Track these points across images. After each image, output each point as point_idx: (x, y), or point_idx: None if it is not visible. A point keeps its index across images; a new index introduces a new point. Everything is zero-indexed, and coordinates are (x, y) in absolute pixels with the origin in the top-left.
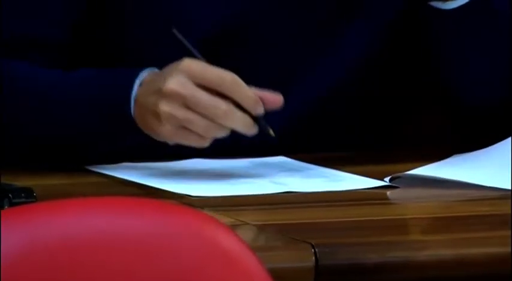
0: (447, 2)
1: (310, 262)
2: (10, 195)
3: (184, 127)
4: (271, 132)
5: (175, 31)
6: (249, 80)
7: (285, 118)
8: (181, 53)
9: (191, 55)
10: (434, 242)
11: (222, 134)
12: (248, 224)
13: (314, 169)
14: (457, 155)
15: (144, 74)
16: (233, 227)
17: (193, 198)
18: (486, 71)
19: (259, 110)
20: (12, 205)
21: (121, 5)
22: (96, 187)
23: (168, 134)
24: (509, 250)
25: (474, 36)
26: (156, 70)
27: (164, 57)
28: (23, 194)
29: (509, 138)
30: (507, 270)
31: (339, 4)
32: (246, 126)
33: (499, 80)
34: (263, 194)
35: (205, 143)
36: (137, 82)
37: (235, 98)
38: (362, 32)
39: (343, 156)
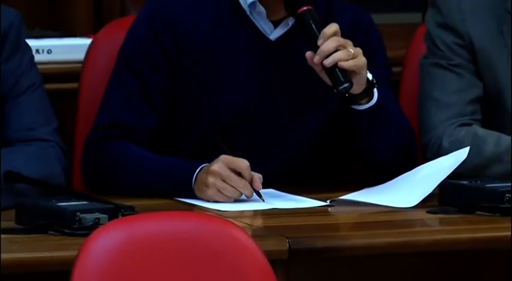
0: (360, 106)
1: (285, 246)
2: (122, 210)
3: (220, 192)
4: (262, 198)
5: (215, 136)
6: (251, 144)
7: (272, 167)
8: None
9: (219, 145)
10: (355, 235)
11: (239, 197)
12: (251, 226)
13: (288, 196)
14: (369, 187)
15: (201, 166)
16: (243, 228)
17: (222, 212)
18: (383, 143)
19: (256, 186)
20: (123, 215)
21: (184, 105)
22: (170, 207)
23: (211, 195)
24: (400, 239)
25: (376, 124)
26: (206, 165)
27: (202, 135)
28: (129, 210)
29: (398, 177)
30: (402, 252)
31: (305, 101)
32: (249, 193)
33: (392, 148)
34: (260, 210)
35: (231, 201)
36: (197, 170)
37: (246, 179)
38: (318, 117)
39: (305, 188)
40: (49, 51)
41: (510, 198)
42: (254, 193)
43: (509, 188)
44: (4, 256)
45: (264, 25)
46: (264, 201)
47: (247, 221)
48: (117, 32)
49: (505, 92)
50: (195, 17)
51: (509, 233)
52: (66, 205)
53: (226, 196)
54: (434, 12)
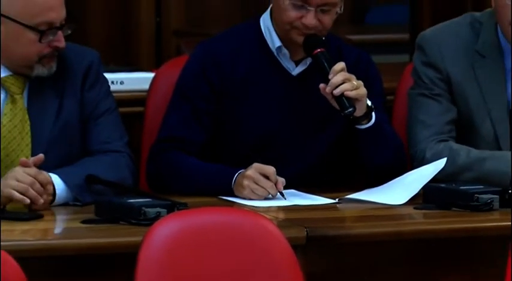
0: (361, 126)
1: (304, 234)
2: (177, 205)
3: (253, 191)
4: (285, 197)
5: (250, 149)
6: (277, 155)
7: (292, 173)
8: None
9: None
10: (358, 226)
11: (267, 195)
12: (277, 218)
13: (305, 195)
14: (368, 189)
15: (238, 171)
16: (271, 220)
17: (254, 207)
18: (380, 156)
19: (279, 188)
20: (178, 210)
21: (225, 126)
22: (214, 203)
23: (246, 194)
24: (393, 229)
25: (374, 140)
26: (243, 170)
27: (239, 148)
28: (183, 205)
29: (391, 181)
30: (394, 239)
31: (318, 123)
32: (275, 192)
33: (388, 159)
34: (283, 206)
35: (261, 199)
36: (235, 174)
37: (273, 181)
38: (327, 135)
39: (318, 189)
40: (121, 83)
41: (478, 198)
42: (278, 193)
43: (478, 190)
44: (86, 240)
45: (287, 64)
46: (286, 199)
47: (274, 214)
48: (174, 68)
49: (473, 117)
50: (234, 57)
51: (478, 224)
52: (133, 202)
53: (257, 194)
54: (419, 53)
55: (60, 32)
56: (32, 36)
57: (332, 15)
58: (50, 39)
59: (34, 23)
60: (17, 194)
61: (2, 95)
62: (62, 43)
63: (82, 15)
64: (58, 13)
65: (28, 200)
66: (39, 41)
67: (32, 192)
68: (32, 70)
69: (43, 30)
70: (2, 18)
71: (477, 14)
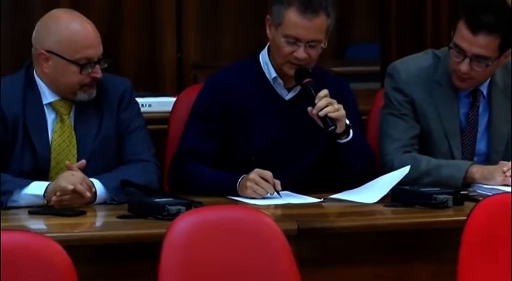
0: (341, 140)
1: (295, 227)
2: (194, 204)
3: (255, 191)
4: (280, 194)
5: (252, 158)
6: (274, 163)
7: (287, 178)
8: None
9: (254, 163)
10: (340, 220)
11: (266, 195)
12: (274, 213)
13: (297, 195)
14: (347, 190)
15: (242, 176)
16: (269, 215)
17: (255, 205)
18: (356, 164)
19: (276, 189)
20: (195, 207)
21: (231, 140)
22: (223, 202)
23: (248, 193)
24: (367, 223)
25: (351, 152)
26: (246, 175)
27: (243, 158)
28: (198, 204)
29: (365, 184)
30: (368, 230)
31: (307, 138)
32: (272, 192)
33: (362, 167)
34: (279, 204)
35: (261, 197)
36: (240, 178)
37: (271, 183)
38: (314, 148)
39: (307, 191)
40: (149, 105)
41: (435, 197)
42: (275, 192)
43: (435, 191)
44: (121, 232)
45: (281, 91)
46: (281, 196)
47: (271, 211)
48: (191, 94)
49: (432, 133)
50: (239, 86)
51: (436, 219)
52: (159, 201)
53: (258, 193)
54: (390, 80)
55: (97, 66)
56: (74, 69)
57: (318, 49)
58: (89, 71)
59: (75, 58)
60: (79, 186)
61: (52, 116)
62: (99, 74)
63: (118, 52)
64: (95, 50)
65: (89, 194)
66: (80, 72)
67: (80, 187)
68: (75, 96)
69: (83, 64)
70: (51, 54)
71: (437, 50)
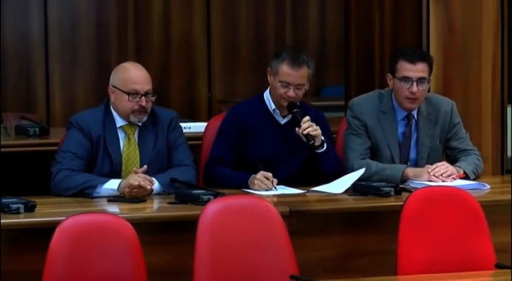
0: (318, 150)
1: (287, 209)
2: (220, 194)
3: (260, 186)
4: (276, 189)
5: (258, 164)
6: (273, 167)
7: (282, 177)
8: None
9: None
10: (319, 204)
11: (267, 188)
12: (273, 200)
13: (288, 188)
14: (323, 184)
15: (252, 175)
16: (270, 201)
17: (261, 195)
18: (329, 167)
19: (274, 184)
20: (220, 196)
21: (244, 151)
22: (240, 193)
23: (256, 188)
24: (336, 206)
25: (325, 158)
26: (254, 175)
27: (252, 164)
28: (222, 194)
29: (335, 181)
30: (337, 212)
31: (296, 150)
32: (272, 187)
33: (333, 170)
34: (276, 194)
35: (263, 190)
36: (250, 177)
37: (271, 180)
38: (300, 156)
39: (295, 185)
40: (189, 128)
41: (382, 189)
42: (274, 187)
43: (382, 185)
44: (170, 213)
45: (278, 117)
46: (277, 190)
47: (271, 199)
48: (217, 120)
49: (379, 146)
50: (250, 114)
51: (383, 204)
52: (196, 192)
53: (262, 188)
54: (350, 111)
55: (143, 97)
56: (125, 97)
57: (303, 90)
58: (137, 101)
59: (126, 89)
60: (142, 182)
61: (123, 135)
62: (143, 103)
63: (167, 91)
64: (141, 86)
65: (149, 187)
66: (128, 100)
67: (143, 183)
68: (129, 118)
69: (131, 93)
70: (114, 88)
71: (381, 90)
